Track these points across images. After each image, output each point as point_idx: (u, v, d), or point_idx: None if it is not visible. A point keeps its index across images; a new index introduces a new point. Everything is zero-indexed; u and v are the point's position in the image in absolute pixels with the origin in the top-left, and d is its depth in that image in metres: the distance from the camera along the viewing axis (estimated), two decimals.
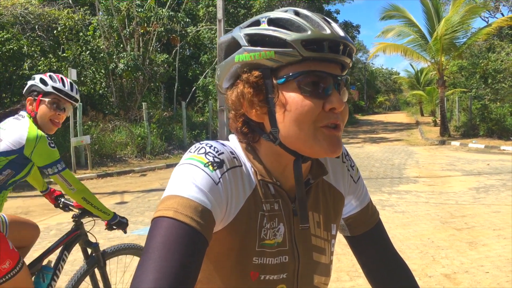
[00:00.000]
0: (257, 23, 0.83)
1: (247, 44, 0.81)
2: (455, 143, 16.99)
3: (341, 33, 0.80)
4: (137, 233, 5.74)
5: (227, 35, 0.87)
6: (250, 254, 0.84)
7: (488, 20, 30.21)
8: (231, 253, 0.84)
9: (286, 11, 0.82)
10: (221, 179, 0.79)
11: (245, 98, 0.83)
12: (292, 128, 0.80)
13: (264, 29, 0.80)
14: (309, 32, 0.77)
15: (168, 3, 17.99)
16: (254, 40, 0.81)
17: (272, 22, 0.81)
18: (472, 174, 10.13)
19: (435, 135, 19.77)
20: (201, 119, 20.13)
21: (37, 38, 15.10)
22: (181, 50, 21.90)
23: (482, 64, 18.98)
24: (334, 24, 0.81)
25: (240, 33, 0.83)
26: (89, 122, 13.75)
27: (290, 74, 0.79)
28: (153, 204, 7.68)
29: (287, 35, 0.78)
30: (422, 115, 37.26)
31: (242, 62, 0.82)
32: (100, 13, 17.27)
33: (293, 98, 0.79)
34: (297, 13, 0.81)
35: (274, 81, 0.81)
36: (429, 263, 4.45)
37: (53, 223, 6.49)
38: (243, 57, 0.81)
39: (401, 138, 20.89)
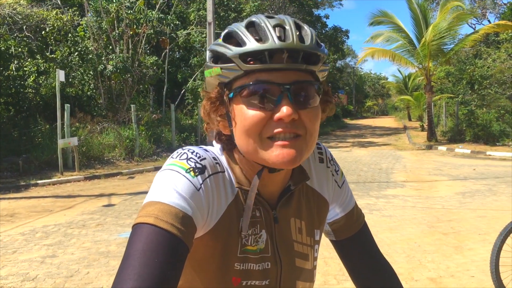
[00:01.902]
0: (220, 37, 0.84)
1: (207, 61, 0.84)
2: (442, 148, 17.15)
3: (289, 40, 0.75)
4: (124, 236, 5.70)
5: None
6: (232, 260, 0.84)
7: (475, 27, 30.77)
8: (212, 259, 0.84)
9: (243, 21, 0.82)
10: (202, 185, 0.79)
11: (209, 113, 0.86)
12: (242, 141, 0.80)
13: (218, 44, 0.82)
14: (246, 46, 0.77)
15: (158, 6, 17.95)
16: (212, 56, 0.84)
17: (225, 36, 0.82)
18: (458, 179, 10.23)
19: (423, 140, 19.95)
20: (190, 121, 20.06)
21: (25, 39, 14.94)
22: (170, 53, 21.83)
23: (469, 70, 19.23)
24: (288, 31, 0.77)
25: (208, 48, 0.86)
26: (77, 124, 13.59)
27: (237, 87, 0.79)
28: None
29: (228, 50, 0.78)
30: (410, 120, 37.64)
31: (207, 78, 0.85)
32: (89, 14, 17.16)
33: (239, 111, 0.79)
34: (250, 24, 0.80)
35: (226, 96, 0.82)
36: (416, 267, 4.48)
37: (39, 226, 6.41)
38: (207, 74, 0.84)
39: (389, 142, 21.04)
